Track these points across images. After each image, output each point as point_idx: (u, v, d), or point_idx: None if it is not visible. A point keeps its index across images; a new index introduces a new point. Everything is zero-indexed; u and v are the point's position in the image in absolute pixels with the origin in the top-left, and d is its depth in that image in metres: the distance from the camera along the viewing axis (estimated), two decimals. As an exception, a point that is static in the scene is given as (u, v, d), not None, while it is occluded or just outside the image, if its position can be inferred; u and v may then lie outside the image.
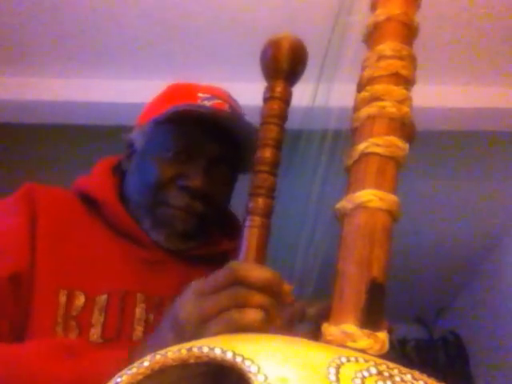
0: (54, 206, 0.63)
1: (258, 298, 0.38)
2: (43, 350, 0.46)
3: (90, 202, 0.65)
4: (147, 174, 0.63)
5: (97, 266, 0.61)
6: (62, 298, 0.56)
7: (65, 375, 0.43)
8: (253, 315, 0.37)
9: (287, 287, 0.42)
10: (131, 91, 1.51)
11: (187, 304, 0.41)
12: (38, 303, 0.55)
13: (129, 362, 0.41)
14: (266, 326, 0.37)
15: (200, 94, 0.66)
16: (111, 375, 0.40)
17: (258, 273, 0.39)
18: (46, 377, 0.43)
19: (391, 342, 0.32)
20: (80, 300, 0.57)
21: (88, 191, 0.65)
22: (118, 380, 0.22)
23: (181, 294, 0.43)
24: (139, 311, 0.59)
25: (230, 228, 0.74)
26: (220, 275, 0.40)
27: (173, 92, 0.70)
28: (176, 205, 0.62)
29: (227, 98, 0.69)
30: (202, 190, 0.61)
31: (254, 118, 0.54)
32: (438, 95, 1.57)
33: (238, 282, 0.39)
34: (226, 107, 0.66)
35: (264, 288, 0.39)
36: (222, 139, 0.64)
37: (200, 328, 0.39)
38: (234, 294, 0.39)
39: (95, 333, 0.56)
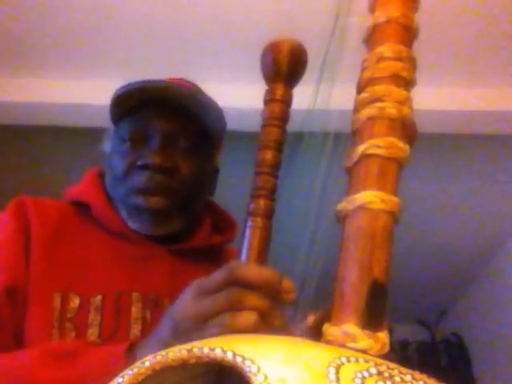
0: (45, 214, 0.64)
1: (254, 299, 0.38)
2: (34, 359, 0.46)
3: (81, 206, 0.67)
4: (114, 169, 0.65)
5: (90, 267, 0.61)
6: (57, 301, 0.57)
7: (59, 378, 0.43)
8: (246, 319, 0.37)
9: (288, 284, 0.41)
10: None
11: (185, 304, 0.41)
12: (32, 309, 0.56)
13: (126, 359, 0.42)
14: (262, 328, 0.37)
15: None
16: (107, 373, 0.41)
17: (256, 272, 0.39)
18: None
19: (392, 345, 0.32)
20: (75, 302, 0.57)
21: (78, 197, 0.68)
22: (120, 380, 0.22)
23: (181, 293, 0.42)
24: (135, 310, 0.60)
25: (221, 222, 0.75)
26: (218, 275, 0.40)
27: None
28: (137, 186, 0.62)
29: (177, 79, 0.70)
30: (159, 164, 0.62)
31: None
32: (443, 97, 1.57)
33: (236, 282, 0.39)
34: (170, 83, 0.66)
35: (262, 287, 0.39)
36: (174, 113, 0.65)
37: (196, 330, 0.38)
38: (230, 296, 0.38)
39: (93, 333, 0.57)
